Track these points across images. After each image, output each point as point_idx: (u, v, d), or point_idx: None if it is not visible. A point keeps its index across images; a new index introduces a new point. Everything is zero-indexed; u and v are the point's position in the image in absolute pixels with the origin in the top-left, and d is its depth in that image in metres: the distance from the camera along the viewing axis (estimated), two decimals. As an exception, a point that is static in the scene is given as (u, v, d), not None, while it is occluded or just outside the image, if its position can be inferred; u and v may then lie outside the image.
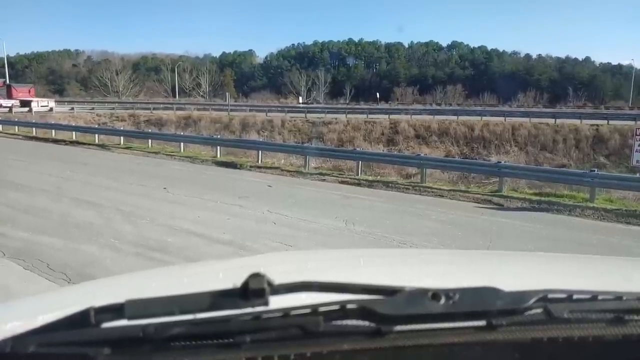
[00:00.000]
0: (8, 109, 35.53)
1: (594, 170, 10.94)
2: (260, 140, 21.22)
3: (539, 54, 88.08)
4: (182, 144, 17.82)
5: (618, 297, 0.72)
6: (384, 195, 10.71)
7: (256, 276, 0.61)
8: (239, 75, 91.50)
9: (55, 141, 20.72)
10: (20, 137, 22.90)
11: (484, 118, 33.17)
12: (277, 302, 0.61)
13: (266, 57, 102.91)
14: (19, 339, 0.60)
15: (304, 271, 1.27)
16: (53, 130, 22.63)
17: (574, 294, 0.71)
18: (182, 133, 21.56)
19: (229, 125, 34.16)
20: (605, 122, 31.14)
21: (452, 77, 77.05)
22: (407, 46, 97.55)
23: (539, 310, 0.66)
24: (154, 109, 40.47)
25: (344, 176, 13.12)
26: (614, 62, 79.62)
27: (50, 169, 12.44)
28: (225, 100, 44.20)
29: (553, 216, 9.05)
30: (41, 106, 37.93)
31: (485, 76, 77.53)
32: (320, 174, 13.44)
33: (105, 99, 55.89)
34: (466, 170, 13.53)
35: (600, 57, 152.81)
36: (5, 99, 38.97)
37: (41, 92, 54.80)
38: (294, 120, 35.15)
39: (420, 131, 31.82)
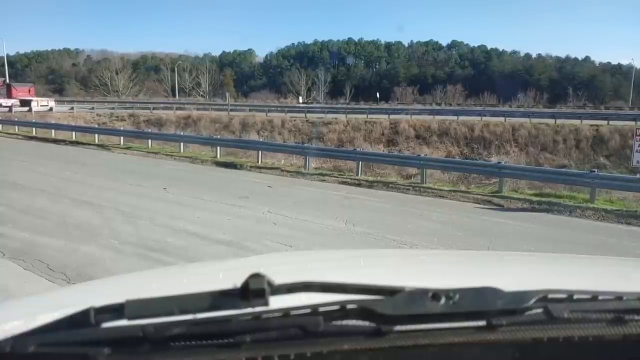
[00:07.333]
0: (8, 108, 35.48)
1: (594, 171, 10.94)
2: (260, 140, 21.22)
3: (539, 54, 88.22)
4: (181, 144, 17.81)
5: (618, 297, 0.72)
6: (384, 196, 10.71)
7: (256, 276, 0.62)
8: (239, 75, 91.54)
9: (55, 141, 20.71)
10: (20, 137, 22.90)
11: (484, 118, 33.13)
12: (277, 302, 0.61)
13: (266, 57, 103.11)
14: (19, 339, 0.60)
15: (304, 271, 1.27)
16: (53, 130, 22.64)
17: (574, 294, 0.71)
18: (181, 133, 21.55)
19: (228, 125, 34.14)
20: (605, 122, 31.10)
21: (452, 76, 77.06)
22: (407, 45, 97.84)
23: (539, 310, 0.66)
24: (153, 108, 40.43)
25: (344, 176, 13.11)
26: (614, 62, 79.66)
27: (50, 169, 12.44)
28: (225, 100, 44.18)
29: (553, 217, 9.05)
30: (41, 106, 37.82)
31: (485, 76, 77.50)
32: (321, 174, 13.44)
33: (105, 99, 55.82)
34: (466, 170, 13.52)
35: (600, 56, 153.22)
36: (5, 98, 38.86)
37: (41, 91, 54.72)
38: (294, 120, 35.12)
39: (420, 131, 31.81)
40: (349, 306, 0.63)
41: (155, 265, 5.00)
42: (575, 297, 0.71)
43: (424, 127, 32.26)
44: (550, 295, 0.69)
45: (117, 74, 66.16)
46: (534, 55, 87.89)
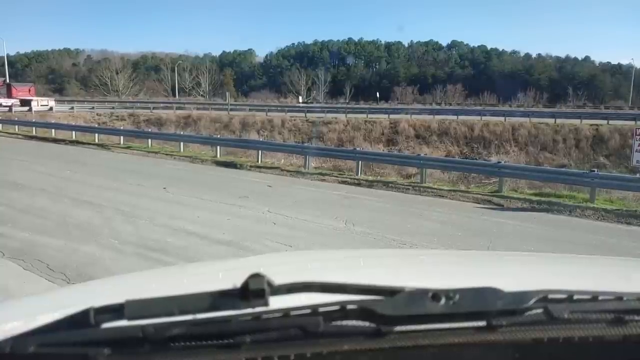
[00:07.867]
0: (8, 108, 35.48)
1: (594, 171, 10.93)
2: (260, 140, 21.22)
3: (539, 53, 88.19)
4: (181, 143, 17.81)
5: (618, 297, 0.72)
6: (383, 196, 10.71)
7: (256, 276, 0.61)
8: (239, 75, 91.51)
9: (55, 140, 20.71)
10: (20, 136, 22.90)
11: (484, 118, 33.13)
12: (277, 302, 0.61)
13: (266, 56, 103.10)
14: (19, 339, 0.60)
15: (304, 271, 1.27)
16: (53, 130, 22.63)
17: (574, 294, 0.71)
18: (181, 132, 21.54)
19: (228, 125, 34.13)
20: (605, 122, 31.12)
21: (452, 76, 77.03)
22: (407, 45, 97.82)
23: (539, 311, 0.66)
24: (153, 108, 40.43)
25: (344, 176, 13.11)
26: (614, 62, 79.63)
27: (50, 169, 12.44)
28: (225, 100, 44.16)
29: (553, 217, 9.05)
30: (41, 105, 37.80)
31: (484, 75, 77.44)
32: (320, 174, 13.43)
33: (105, 98, 55.81)
34: (466, 170, 13.52)
35: (600, 56, 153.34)
36: (5, 98, 38.85)
37: (41, 91, 54.66)
38: (294, 120, 35.12)
39: (420, 131, 31.80)
40: (349, 306, 0.62)
41: (155, 265, 5.01)
42: (575, 297, 0.70)
43: (423, 127, 32.25)
44: (550, 296, 0.69)
45: (117, 73, 66.04)
46: (534, 55, 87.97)
